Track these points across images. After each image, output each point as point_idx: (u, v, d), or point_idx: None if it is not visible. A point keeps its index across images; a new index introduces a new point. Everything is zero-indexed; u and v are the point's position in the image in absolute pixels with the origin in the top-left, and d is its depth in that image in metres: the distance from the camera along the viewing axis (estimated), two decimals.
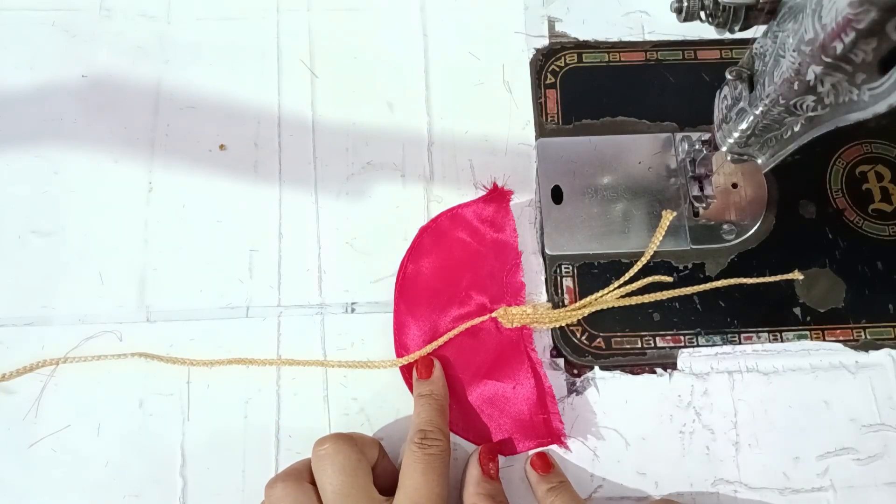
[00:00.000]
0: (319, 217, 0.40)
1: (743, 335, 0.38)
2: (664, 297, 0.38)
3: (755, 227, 0.39)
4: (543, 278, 0.39)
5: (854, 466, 0.36)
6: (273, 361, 0.38)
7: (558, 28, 0.44)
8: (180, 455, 0.36)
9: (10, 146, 0.41)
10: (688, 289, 0.38)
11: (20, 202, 0.40)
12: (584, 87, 0.42)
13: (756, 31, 0.28)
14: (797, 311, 0.38)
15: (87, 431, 0.37)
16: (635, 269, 0.38)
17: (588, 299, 0.38)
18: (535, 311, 0.37)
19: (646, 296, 0.38)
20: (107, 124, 0.42)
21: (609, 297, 0.38)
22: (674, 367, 0.38)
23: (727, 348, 0.38)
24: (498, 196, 0.39)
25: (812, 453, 0.36)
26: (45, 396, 0.37)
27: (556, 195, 0.40)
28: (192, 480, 0.36)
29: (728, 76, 0.31)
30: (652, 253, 0.38)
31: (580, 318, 0.38)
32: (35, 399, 0.37)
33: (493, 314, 0.37)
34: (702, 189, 0.38)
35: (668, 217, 0.38)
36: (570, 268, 0.39)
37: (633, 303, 0.38)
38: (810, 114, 0.26)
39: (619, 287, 0.38)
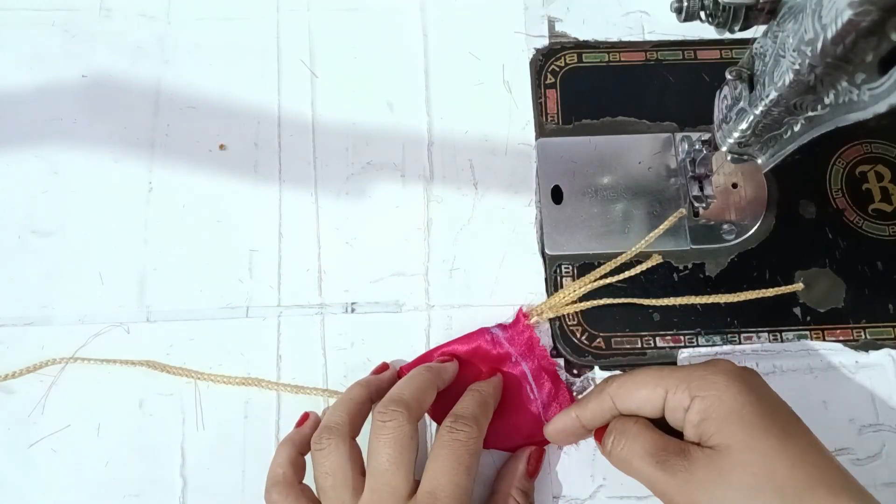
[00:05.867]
0: (319, 217, 0.40)
1: (743, 335, 0.38)
2: (666, 303, 0.38)
3: (755, 227, 0.39)
4: (543, 278, 0.39)
5: (853, 467, 0.36)
6: (278, 386, 0.38)
7: (558, 28, 0.44)
8: (180, 455, 0.36)
9: (10, 146, 0.41)
10: (683, 298, 0.38)
11: (20, 202, 0.40)
12: (584, 87, 0.42)
13: (756, 31, 0.28)
14: (797, 311, 0.38)
15: (87, 431, 0.37)
16: (637, 248, 0.38)
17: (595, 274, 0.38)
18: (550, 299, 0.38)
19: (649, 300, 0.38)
20: (107, 124, 0.42)
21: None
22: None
23: (727, 348, 0.38)
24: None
25: None
26: (45, 396, 0.37)
27: (556, 195, 0.40)
28: (192, 480, 0.36)
29: (728, 76, 0.30)
30: (652, 241, 0.38)
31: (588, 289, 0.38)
32: (41, 398, 0.37)
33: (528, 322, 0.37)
34: (702, 189, 0.38)
35: (678, 214, 0.38)
36: (570, 268, 0.39)
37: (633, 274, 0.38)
38: (810, 114, 0.26)
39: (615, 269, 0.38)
